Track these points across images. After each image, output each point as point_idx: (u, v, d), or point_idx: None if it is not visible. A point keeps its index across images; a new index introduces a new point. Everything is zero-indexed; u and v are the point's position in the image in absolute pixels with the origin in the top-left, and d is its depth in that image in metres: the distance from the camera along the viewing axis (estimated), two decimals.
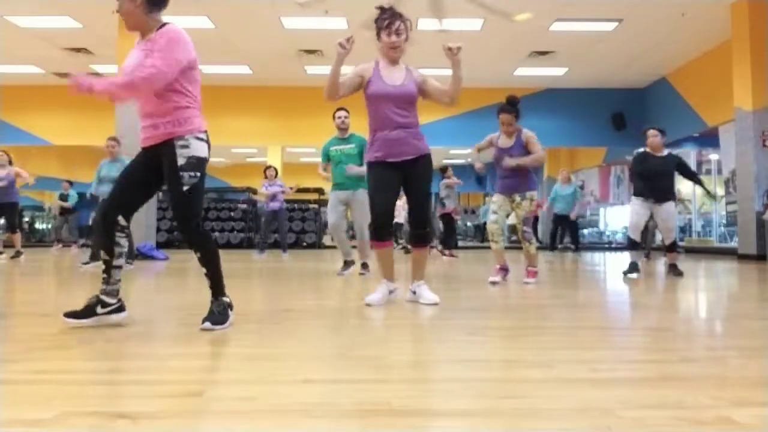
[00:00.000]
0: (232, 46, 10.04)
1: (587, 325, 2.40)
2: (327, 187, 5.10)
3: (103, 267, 2.18)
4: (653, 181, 4.72)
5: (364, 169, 4.45)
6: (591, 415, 1.19)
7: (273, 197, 8.12)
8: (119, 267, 2.19)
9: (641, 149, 4.94)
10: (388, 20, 2.78)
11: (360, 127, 4.48)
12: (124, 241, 2.20)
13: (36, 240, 14.50)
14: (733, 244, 10.00)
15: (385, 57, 2.85)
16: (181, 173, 2.13)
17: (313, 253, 9.95)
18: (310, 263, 6.66)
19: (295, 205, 11.94)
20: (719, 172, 11.62)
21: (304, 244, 11.74)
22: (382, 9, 2.81)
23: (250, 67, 11.15)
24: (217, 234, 11.82)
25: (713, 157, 12.52)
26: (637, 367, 1.68)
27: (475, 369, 1.63)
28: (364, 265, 4.81)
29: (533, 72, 11.49)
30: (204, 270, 2.22)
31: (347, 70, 2.78)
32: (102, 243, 2.17)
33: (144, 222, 8.07)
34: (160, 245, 9.10)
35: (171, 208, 2.19)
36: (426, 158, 2.86)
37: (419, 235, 2.91)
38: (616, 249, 12.95)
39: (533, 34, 9.43)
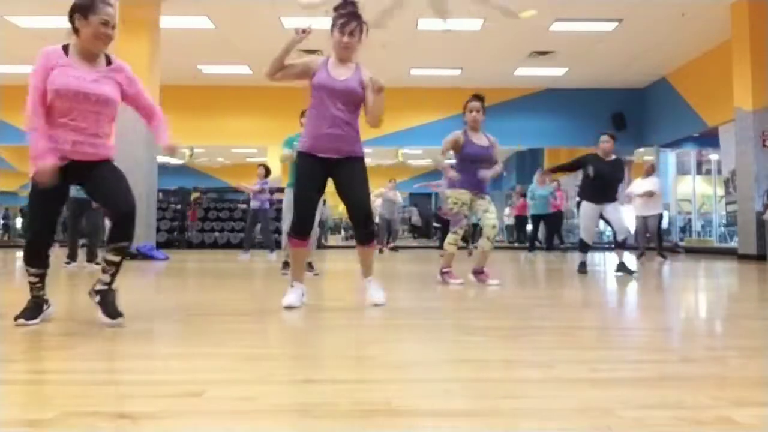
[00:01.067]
0: (233, 46, 10.04)
1: (587, 325, 2.40)
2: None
3: (37, 279, 2.32)
4: (600, 184, 4.99)
5: (288, 153, 4.40)
6: (591, 415, 1.19)
7: (255, 196, 8.12)
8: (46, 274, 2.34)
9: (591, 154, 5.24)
10: (344, 19, 2.74)
11: (284, 118, 4.44)
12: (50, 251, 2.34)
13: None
14: (733, 244, 10.01)
15: (336, 54, 2.80)
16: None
17: None
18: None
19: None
20: (719, 172, 11.62)
21: None
22: (343, 3, 2.77)
23: (250, 67, 11.15)
24: (217, 234, 11.81)
25: (713, 157, 12.53)
26: (637, 367, 1.68)
27: (475, 369, 1.64)
28: (309, 265, 4.69)
29: (533, 72, 11.49)
30: (115, 258, 2.30)
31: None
32: (33, 261, 2.31)
33: (144, 222, 8.07)
34: (159, 245, 9.09)
35: (122, 204, 2.27)
36: (359, 160, 2.77)
37: (365, 234, 2.82)
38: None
39: (533, 34, 9.43)
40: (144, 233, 7.71)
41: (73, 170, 2.24)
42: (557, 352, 1.84)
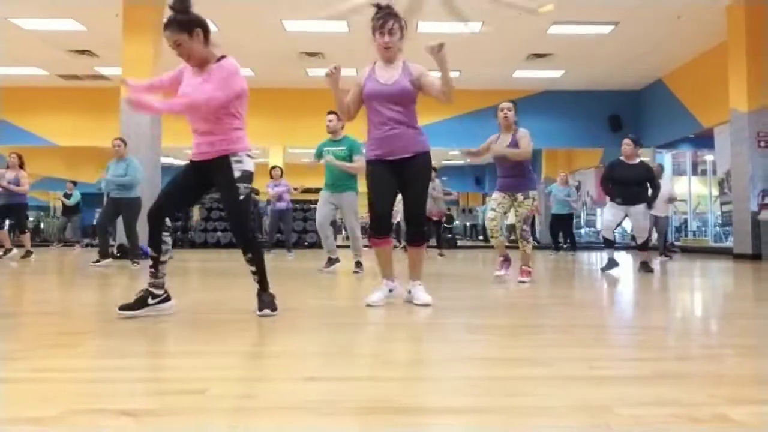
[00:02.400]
0: (235, 48, 9.97)
1: (585, 324, 2.42)
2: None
3: (151, 263, 2.44)
4: (623, 187, 5.08)
5: (344, 164, 4.67)
6: (589, 412, 1.20)
7: (279, 197, 8.12)
8: (164, 262, 2.46)
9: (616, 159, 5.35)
10: (381, 20, 2.78)
11: (354, 130, 4.52)
12: (168, 239, 2.47)
13: (40, 240, 14.46)
14: (729, 243, 10.06)
15: (380, 56, 2.85)
16: (237, 184, 2.44)
17: (315, 252, 9.93)
18: (312, 263, 6.65)
19: (297, 205, 11.95)
20: (714, 172, 11.68)
21: (306, 243, 11.74)
22: (378, 7, 2.81)
23: (252, 69, 11.15)
24: (219, 234, 11.81)
25: (708, 158, 12.58)
26: (635, 365, 1.69)
27: (475, 367, 1.65)
28: (358, 264, 4.93)
29: (531, 74, 11.53)
30: (252, 268, 2.52)
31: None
32: (150, 240, 2.44)
33: (147, 222, 8.06)
34: None
35: (227, 214, 2.53)
36: (422, 156, 2.83)
37: (414, 234, 2.90)
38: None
39: (531, 36, 9.47)
40: (147, 233, 7.71)
41: (200, 170, 2.46)
42: (556, 350, 1.86)
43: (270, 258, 7.39)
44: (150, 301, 2.40)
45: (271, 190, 8.11)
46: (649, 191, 5.13)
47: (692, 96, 10.62)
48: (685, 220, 13.35)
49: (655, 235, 8.14)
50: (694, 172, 13.57)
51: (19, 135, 12.40)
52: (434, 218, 8.56)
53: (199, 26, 2.37)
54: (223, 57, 2.44)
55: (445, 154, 17.97)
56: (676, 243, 11.81)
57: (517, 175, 4.10)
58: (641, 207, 5.09)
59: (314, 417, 1.18)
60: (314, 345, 1.99)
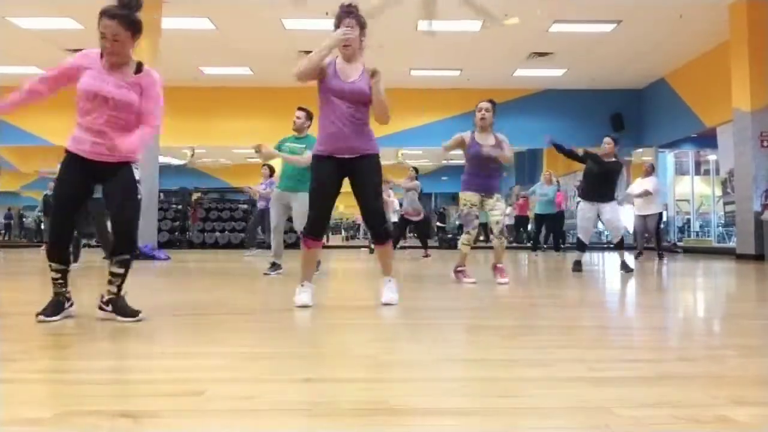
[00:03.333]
0: (233, 47, 10.05)
1: (585, 325, 2.41)
2: None
3: (59, 275, 2.36)
4: (599, 182, 5.16)
5: (291, 157, 4.55)
6: (589, 413, 1.19)
7: (264, 197, 8.10)
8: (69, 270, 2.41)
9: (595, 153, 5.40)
10: (342, 17, 2.79)
11: (285, 119, 4.51)
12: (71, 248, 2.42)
13: (39, 240, 14.50)
14: (731, 244, 10.03)
15: (340, 53, 2.83)
16: (138, 186, 2.42)
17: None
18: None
19: None
20: (717, 172, 11.64)
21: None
22: (341, 5, 2.82)
23: (251, 68, 11.16)
24: (217, 234, 11.82)
25: (711, 157, 12.54)
26: (635, 365, 1.68)
27: (473, 368, 1.64)
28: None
29: (532, 73, 11.51)
30: (121, 271, 2.40)
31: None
32: (56, 257, 2.36)
33: (145, 222, 8.07)
34: (161, 245, 9.10)
35: (121, 215, 2.37)
36: (373, 157, 2.81)
37: (377, 234, 2.87)
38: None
39: (532, 35, 9.45)
40: (146, 233, 7.72)
41: (94, 170, 2.34)
42: (556, 351, 1.85)
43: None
44: (66, 305, 2.38)
45: (260, 190, 8.07)
46: (633, 186, 5.19)
47: (695, 95, 10.58)
48: (688, 221, 13.31)
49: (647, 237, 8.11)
50: (697, 172, 13.54)
51: (16, 134, 12.43)
52: (413, 218, 8.47)
53: (140, 32, 2.37)
54: (140, 64, 2.40)
55: (445, 154, 17.95)
56: (679, 243, 11.77)
57: (494, 176, 4.16)
58: (613, 204, 5.21)
59: (311, 418, 1.17)
60: (310, 346, 1.98)
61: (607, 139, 5.37)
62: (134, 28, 2.32)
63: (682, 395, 1.33)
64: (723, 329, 2.42)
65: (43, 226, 14.04)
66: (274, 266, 4.82)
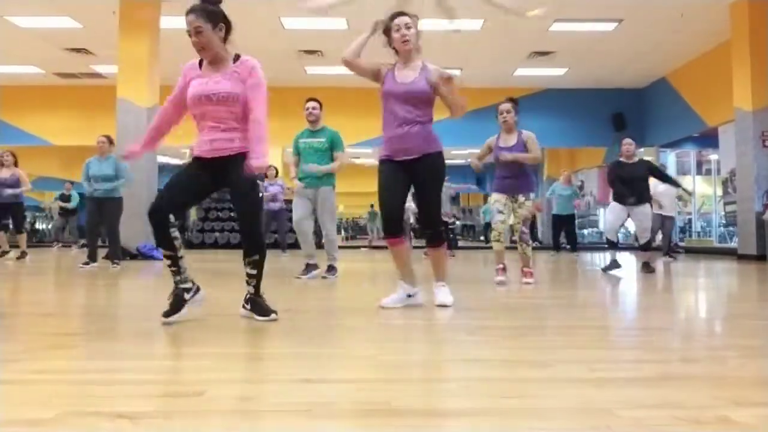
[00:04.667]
0: (232, 46, 10.03)
1: (587, 325, 2.40)
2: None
3: (169, 262, 2.33)
4: (629, 186, 5.17)
5: (325, 168, 4.33)
6: (590, 414, 1.19)
7: (273, 198, 8.09)
8: (182, 257, 2.36)
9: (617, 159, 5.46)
10: (395, 18, 2.81)
11: (332, 122, 4.48)
12: (177, 234, 2.36)
13: (36, 240, 14.52)
14: (733, 244, 10.01)
15: (400, 56, 2.85)
16: (257, 182, 2.43)
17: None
18: None
19: None
20: (718, 172, 11.63)
21: None
22: (392, 15, 2.85)
23: None
24: (217, 234, 11.82)
25: (713, 157, 12.52)
26: (637, 366, 1.68)
27: (475, 368, 1.64)
28: (330, 268, 4.47)
29: (533, 72, 11.50)
30: (253, 271, 2.41)
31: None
32: (158, 240, 2.34)
33: (145, 222, 8.08)
34: None
35: (243, 214, 2.39)
36: (433, 156, 2.82)
37: (431, 235, 2.89)
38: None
39: (533, 34, 9.44)
40: (145, 233, 7.72)
41: (212, 168, 2.35)
42: (557, 351, 1.84)
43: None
44: (186, 296, 2.34)
45: (265, 191, 8.04)
46: (660, 186, 5.25)
47: (696, 94, 10.57)
48: (689, 221, 13.29)
49: (659, 236, 8.11)
50: (699, 172, 13.51)
51: (15, 134, 12.42)
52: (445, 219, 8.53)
53: (224, 22, 2.36)
54: (238, 55, 2.41)
55: (447, 154, 17.86)
56: (680, 243, 11.75)
57: (518, 176, 4.11)
58: (646, 207, 5.20)
59: (311, 419, 1.17)
60: (311, 347, 1.98)
61: (628, 140, 5.40)
62: (214, 19, 2.33)
63: (683, 396, 1.32)
64: (724, 330, 2.42)
65: (37, 226, 14.04)
66: (309, 267, 4.43)
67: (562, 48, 10.12)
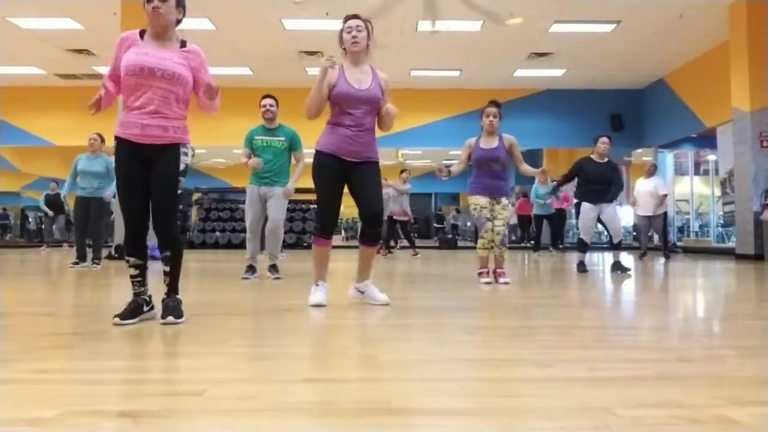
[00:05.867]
0: (233, 47, 10.05)
1: (585, 325, 2.41)
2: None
3: (137, 272, 2.33)
4: (597, 185, 5.22)
5: (291, 188, 4.31)
6: (589, 414, 1.19)
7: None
8: (147, 267, 2.39)
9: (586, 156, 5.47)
10: (348, 22, 2.84)
11: (286, 120, 4.40)
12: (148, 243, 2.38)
13: (38, 240, 14.49)
14: (731, 244, 10.03)
15: (349, 57, 2.86)
16: (179, 178, 2.35)
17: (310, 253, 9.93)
18: (309, 263, 6.66)
19: (296, 206, 11.95)
20: (716, 172, 11.65)
21: (305, 244, 11.77)
22: (345, 18, 2.88)
23: (251, 68, 11.15)
24: (217, 234, 11.82)
25: (711, 157, 12.55)
26: (636, 366, 1.68)
27: (474, 368, 1.64)
28: (273, 268, 4.41)
29: (532, 73, 11.51)
30: (166, 268, 2.34)
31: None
32: (133, 251, 2.34)
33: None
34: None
35: (158, 207, 2.28)
36: (374, 163, 2.87)
37: (372, 234, 2.89)
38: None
39: (532, 35, 9.45)
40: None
41: (143, 154, 2.25)
42: (556, 351, 1.85)
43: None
44: (145, 308, 2.34)
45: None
46: (639, 185, 5.25)
47: (694, 95, 10.59)
48: (687, 221, 13.31)
49: (656, 237, 8.12)
50: (697, 172, 13.54)
51: (17, 135, 12.43)
52: (397, 218, 8.55)
53: (184, 7, 2.33)
54: (185, 42, 2.37)
55: (445, 154, 17.94)
56: (678, 243, 11.77)
57: (502, 178, 4.22)
58: (612, 207, 5.28)
59: (311, 418, 1.17)
60: (310, 346, 1.98)
61: (603, 139, 5.41)
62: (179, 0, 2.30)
63: (682, 395, 1.33)
64: (723, 329, 2.42)
65: (44, 227, 14.06)
66: (252, 269, 4.36)
67: (561, 49, 10.14)
